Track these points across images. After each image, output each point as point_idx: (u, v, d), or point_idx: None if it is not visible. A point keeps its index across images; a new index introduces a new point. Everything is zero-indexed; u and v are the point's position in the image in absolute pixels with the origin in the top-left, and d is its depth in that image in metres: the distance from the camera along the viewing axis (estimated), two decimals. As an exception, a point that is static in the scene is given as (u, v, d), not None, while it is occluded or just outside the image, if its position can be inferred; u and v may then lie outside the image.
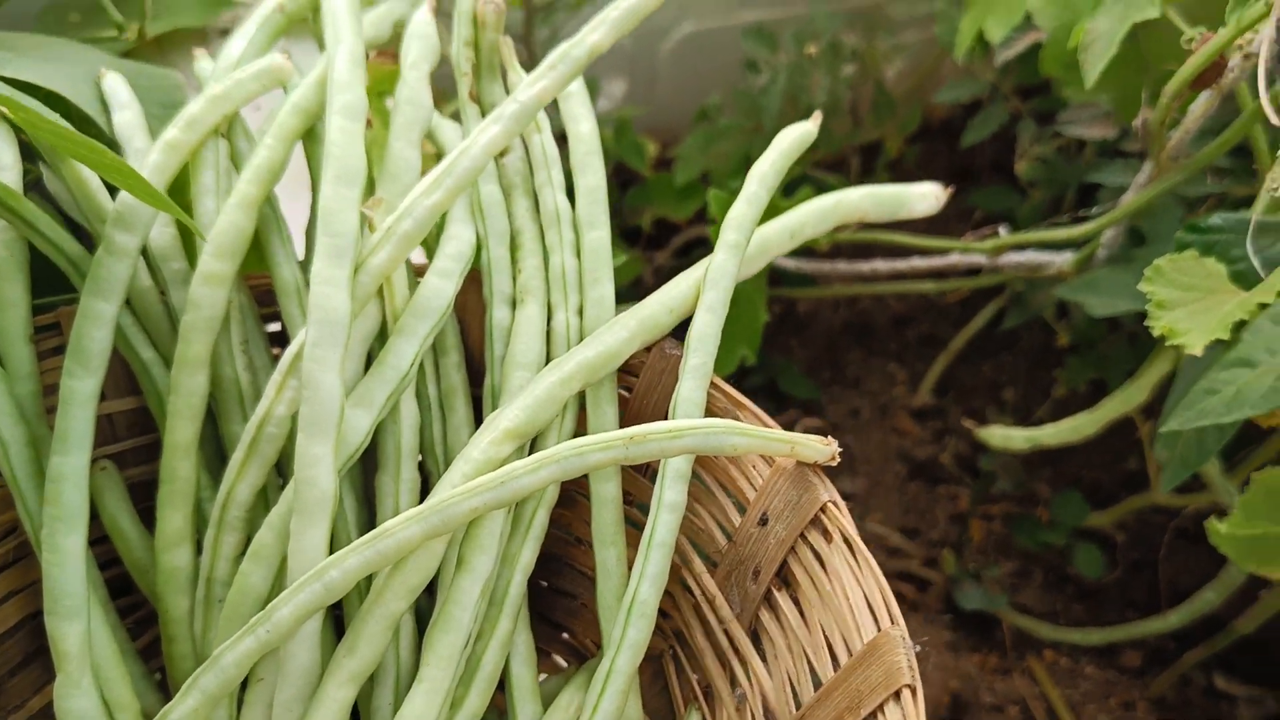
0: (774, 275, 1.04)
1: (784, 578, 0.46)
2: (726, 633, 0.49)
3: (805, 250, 0.99)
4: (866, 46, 1.03)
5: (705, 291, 0.49)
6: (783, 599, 0.45)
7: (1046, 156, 0.94)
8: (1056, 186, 0.95)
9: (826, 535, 0.43)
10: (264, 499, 0.50)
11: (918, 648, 0.38)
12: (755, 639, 0.48)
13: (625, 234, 1.09)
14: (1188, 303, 0.61)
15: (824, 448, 0.45)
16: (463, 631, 0.45)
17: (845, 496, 1.05)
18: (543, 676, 0.53)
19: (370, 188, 0.52)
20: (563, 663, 0.60)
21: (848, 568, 0.42)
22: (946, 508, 1.00)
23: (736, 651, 0.48)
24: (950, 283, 0.96)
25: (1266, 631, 0.78)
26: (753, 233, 0.51)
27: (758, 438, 0.44)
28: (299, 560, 0.44)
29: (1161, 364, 0.76)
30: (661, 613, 0.53)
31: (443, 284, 0.49)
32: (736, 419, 0.47)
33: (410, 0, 0.58)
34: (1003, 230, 0.85)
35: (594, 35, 0.49)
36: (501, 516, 0.46)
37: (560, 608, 0.60)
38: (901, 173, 1.20)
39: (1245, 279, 0.60)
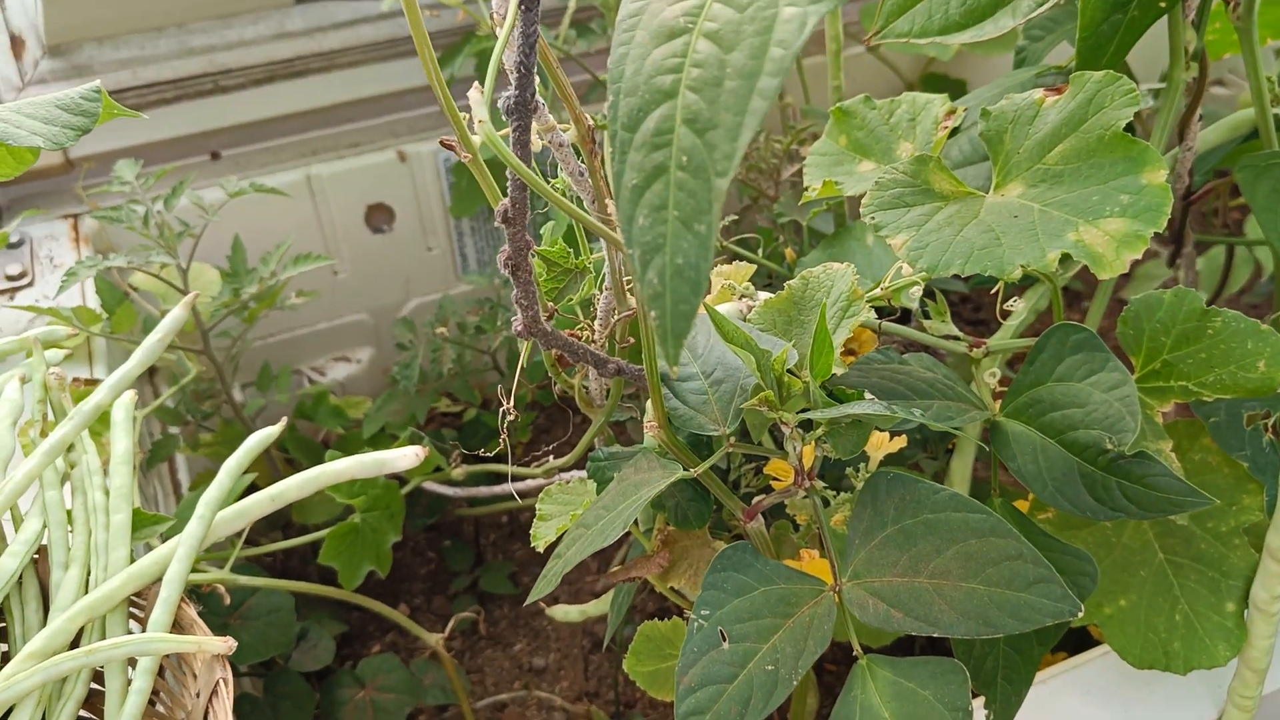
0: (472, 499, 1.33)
1: (208, 728, 0.73)
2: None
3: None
4: (490, 323, 1.36)
5: (179, 549, 0.78)
6: (206, 742, 0.73)
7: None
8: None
9: (217, 695, 0.71)
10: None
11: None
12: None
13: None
14: (561, 514, 0.90)
15: (221, 644, 0.73)
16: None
17: (538, 670, 1.37)
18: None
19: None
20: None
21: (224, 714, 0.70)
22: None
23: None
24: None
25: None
26: (218, 509, 0.81)
27: (175, 642, 0.72)
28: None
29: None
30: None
31: (10, 561, 0.78)
32: (193, 632, 0.75)
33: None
34: (552, 458, 1.16)
35: (92, 402, 0.80)
36: (32, 704, 0.74)
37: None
38: (546, 410, 1.52)
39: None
